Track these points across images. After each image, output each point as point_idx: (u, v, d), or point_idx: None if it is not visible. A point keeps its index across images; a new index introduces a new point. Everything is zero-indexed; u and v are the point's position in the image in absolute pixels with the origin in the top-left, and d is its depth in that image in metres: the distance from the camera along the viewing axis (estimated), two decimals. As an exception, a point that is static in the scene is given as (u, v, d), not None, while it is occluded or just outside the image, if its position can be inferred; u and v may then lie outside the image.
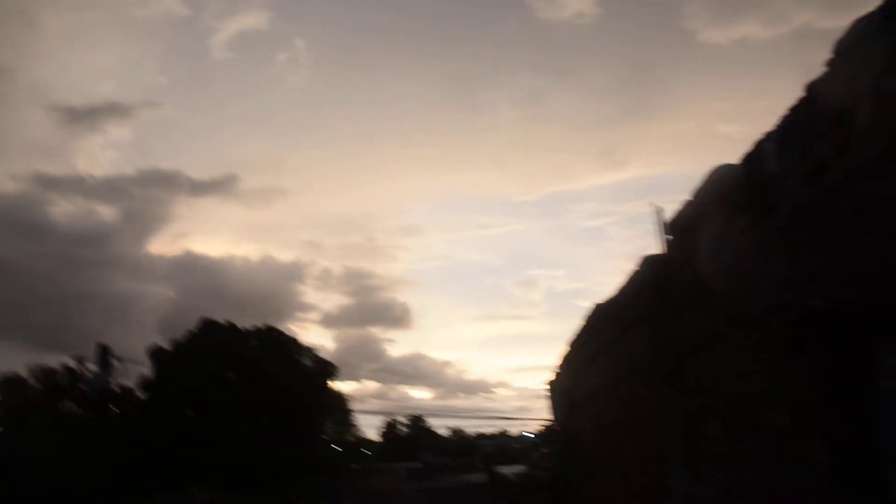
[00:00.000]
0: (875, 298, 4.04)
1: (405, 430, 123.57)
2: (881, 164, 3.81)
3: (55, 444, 43.44)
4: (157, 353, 58.52)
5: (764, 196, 5.03)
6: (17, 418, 55.98)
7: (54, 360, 64.93)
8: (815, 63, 4.42)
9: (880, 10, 3.77)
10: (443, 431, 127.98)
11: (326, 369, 67.82)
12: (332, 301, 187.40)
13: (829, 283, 4.32)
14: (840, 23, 4.15)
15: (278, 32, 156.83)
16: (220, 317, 63.08)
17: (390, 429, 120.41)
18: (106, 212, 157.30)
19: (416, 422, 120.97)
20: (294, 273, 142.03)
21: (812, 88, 4.49)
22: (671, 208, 7.18)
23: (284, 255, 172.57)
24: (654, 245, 7.92)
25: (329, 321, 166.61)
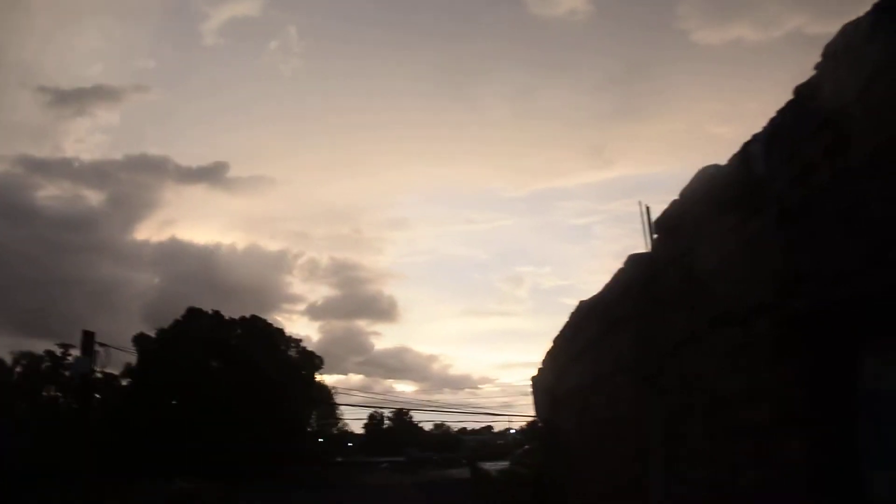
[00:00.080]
0: (860, 300, 4.06)
1: (389, 423, 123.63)
2: (868, 167, 3.83)
3: (37, 430, 43.27)
4: (141, 341, 58.36)
5: (751, 197, 5.06)
6: (-1, 403, 55.75)
7: (38, 346, 64.73)
8: (805, 67, 4.45)
9: (869, 15, 3.79)
10: (427, 426, 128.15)
11: (312, 361, 67.82)
12: (319, 292, 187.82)
13: (814, 284, 4.34)
14: (831, 28, 4.18)
15: (270, 20, 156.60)
16: (206, 305, 63.00)
17: (375, 422, 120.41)
18: (92, 196, 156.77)
19: (401, 416, 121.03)
20: (281, 263, 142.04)
21: (801, 91, 4.51)
22: (659, 208, 7.21)
23: (271, 244, 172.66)
24: (640, 244, 7.95)
25: (315, 312, 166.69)
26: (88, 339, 27.50)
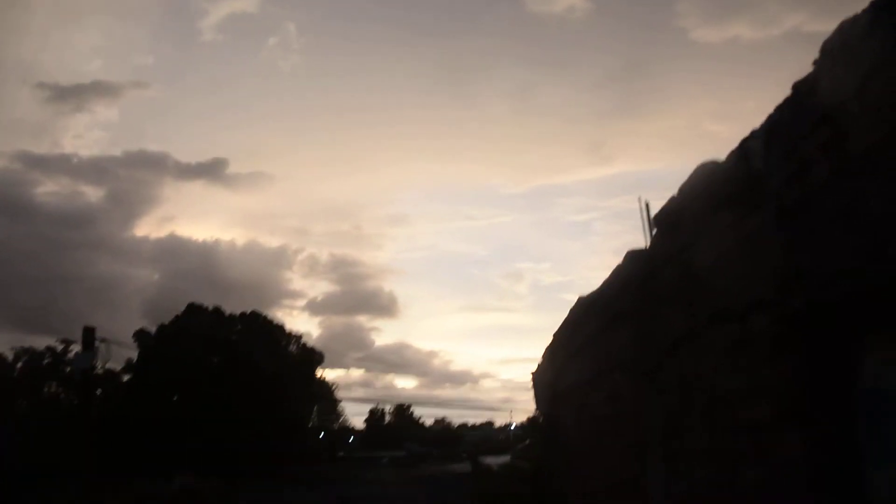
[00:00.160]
0: (858, 298, 4.06)
1: (390, 418, 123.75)
2: (866, 164, 3.82)
3: (38, 426, 43.32)
4: (142, 337, 58.41)
5: (749, 193, 5.05)
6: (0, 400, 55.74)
7: (39, 342, 64.77)
8: (804, 65, 4.44)
9: (867, 12, 3.79)
10: (427, 421, 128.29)
11: (312, 356, 67.87)
12: (319, 288, 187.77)
13: (813, 281, 4.34)
14: (829, 26, 4.17)
15: (269, 16, 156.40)
16: (206, 301, 63.00)
17: (375, 417, 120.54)
18: (92, 193, 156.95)
19: (401, 411, 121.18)
20: (281, 259, 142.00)
21: (799, 87, 4.50)
22: (659, 204, 7.20)
23: (271, 241, 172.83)
24: (640, 240, 7.94)
25: (315, 308, 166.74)
26: (89, 334, 27.50)
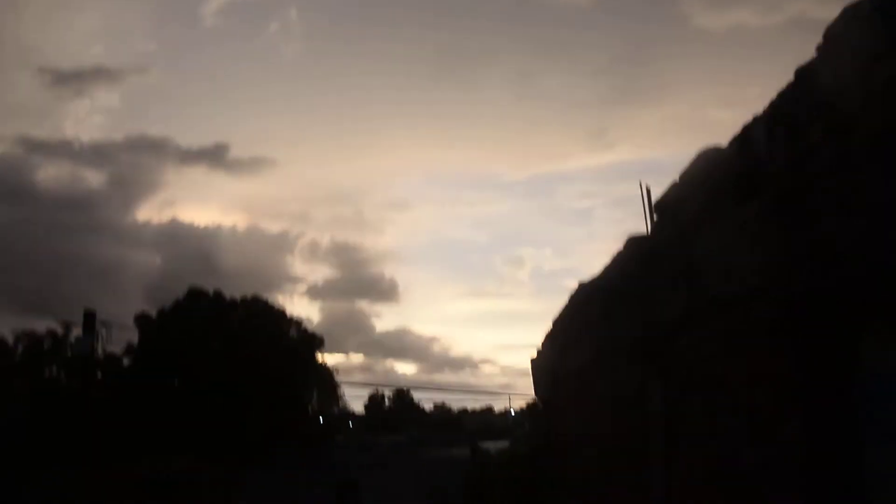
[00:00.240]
0: (858, 284, 4.08)
1: (390, 403, 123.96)
2: (868, 150, 3.84)
3: (38, 409, 43.41)
4: (142, 321, 58.44)
5: (750, 179, 5.06)
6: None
7: (40, 325, 64.73)
8: (807, 52, 4.45)
9: (871, -2, 3.79)
10: (427, 406, 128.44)
11: (312, 341, 67.91)
12: (320, 273, 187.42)
13: (812, 267, 4.36)
14: (833, 13, 4.18)
15: (271, 1, 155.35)
16: (207, 286, 62.91)
17: (375, 402, 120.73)
18: (93, 177, 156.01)
19: (401, 396, 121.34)
20: (282, 244, 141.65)
21: (801, 73, 4.51)
22: (660, 191, 7.21)
23: (272, 225, 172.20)
24: (641, 227, 7.95)
25: (316, 293, 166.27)
26: (90, 318, 27.59)
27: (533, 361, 16.44)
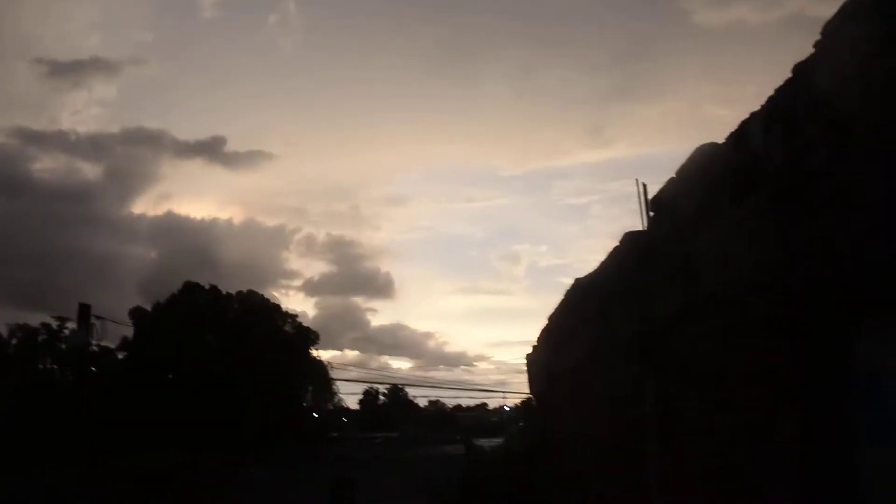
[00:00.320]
0: (854, 281, 4.08)
1: (384, 399, 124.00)
2: (866, 146, 3.83)
3: (33, 401, 43.35)
4: (137, 314, 58.36)
5: (747, 176, 5.06)
6: (-6, 375, 55.68)
7: (34, 319, 64.66)
8: (806, 49, 4.43)
9: (869, -6, 3.78)
10: (422, 402, 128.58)
11: (307, 336, 67.89)
12: (316, 268, 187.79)
13: (809, 264, 4.36)
14: (832, 10, 4.16)
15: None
16: (202, 280, 62.87)
17: (369, 398, 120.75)
18: (89, 169, 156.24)
19: (396, 392, 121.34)
20: (278, 239, 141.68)
21: (799, 69, 4.50)
22: (658, 188, 7.21)
23: (269, 220, 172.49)
24: (638, 224, 7.95)
25: (311, 288, 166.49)
26: (85, 311, 27.51)
27: (528, 358, 16.46)
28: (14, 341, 59.32)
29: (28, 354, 57.75)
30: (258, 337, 56.27)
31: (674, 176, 6.60)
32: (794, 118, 4.48)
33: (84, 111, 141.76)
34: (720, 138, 5.61)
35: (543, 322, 14.17)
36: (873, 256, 3.86)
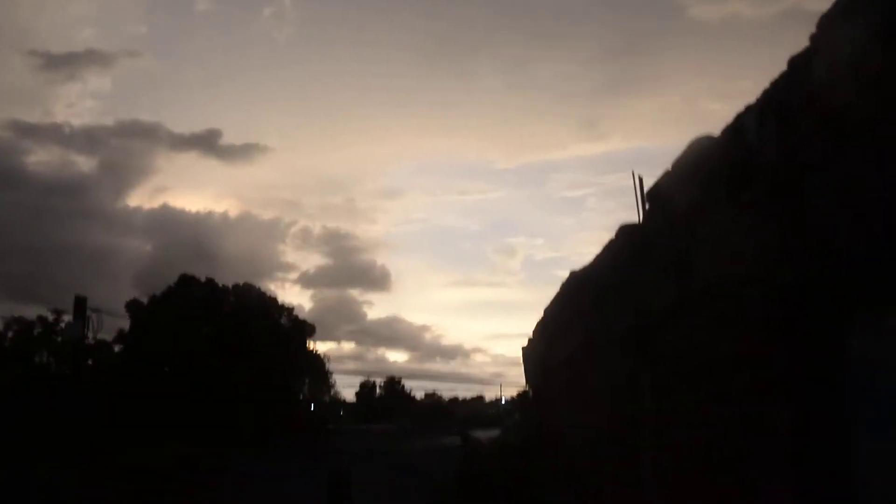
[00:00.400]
0: (849, 274, 4.08)
1: (381, 391, 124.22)
2: (860, 141, 3.83)
3: (28, 395, 43.32)
4: (134, 307, 58.37)
5: (743, 169, 5.06)
6: (-10, 369, 55.64)
7: (30, 312, 64.62)
8: (802, 44, 4.42)
9: (865, -14, 3.77)
10: (418, 394, 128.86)
11: (304, 329, 67.96)
12: (311, 261, 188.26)
13: (804, 257, 4.36)
14: (828, 5, 4.15)
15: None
16: (198, 273, 62.89)
17: (366, 390, 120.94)
18: (83, 162, 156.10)
19: (392, 384, 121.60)
20: (274, 232, 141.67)
21: (795, 62, 4.49)
22: (653, 182, 7.21)
23: (264, 213, 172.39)
24: (633, 217, 7.96)
25: (307, 281, 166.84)
26: (81, 304, 27.53)
27: (524, 350, 16.48)
28: (10, 334, 59.27)
29: (24, 347, 57.71)
30: (254, 329, 56.32)
31: (669, 169, 6.59)
32: (790, 111, 4.47)
33: (78, 104, 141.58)
34: (716, 132, 5.60)
35: (539, 315, 14.19)
36: (868, 250, 3.86)
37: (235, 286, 64.22)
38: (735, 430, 5.14)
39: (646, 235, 7.31)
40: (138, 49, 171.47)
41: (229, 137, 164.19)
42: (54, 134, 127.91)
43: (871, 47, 3.70)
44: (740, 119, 5.13)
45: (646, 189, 7.44)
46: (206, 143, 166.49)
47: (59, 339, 54.10)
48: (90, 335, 32.78)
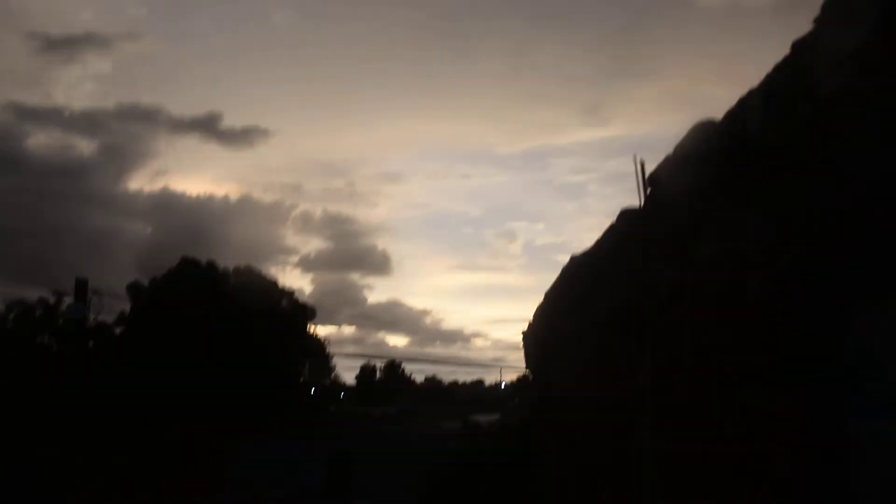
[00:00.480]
0: (848, 258, 4.10)
1: (381, 375, 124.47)
2: (862, 126, 3.83)
3: (29, 377, 43.40)
4: (135, 290, 58.43)
5: (743, 153, 5.06)
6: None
7: (31, 294, 64.58)
8: (804, 29, 4.42)
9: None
10: (418, 378, 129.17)
11: (304, 312, 68.06)
12: (312, 245, 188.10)
13: (804, 241, 4.37)
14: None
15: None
16: (199, 257, 62.91)
17: (366, 373, 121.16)
18: (84, 145, 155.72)
19: (393, 367, 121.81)
20: (274, 215, 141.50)
21: (798, 46, 4.49)
22: (655, 167, 7.20)
23: (265, 196, 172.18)
24: (634, 202, 7.96)
25: (308, 265, 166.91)
26: (82, 286, 27.56)
27: (524, 334, 16.51)
28: (11, 316, 59.27)
29: (25, 329, 57.73)
30: (255, 313, 56.38)
31: (670, 153, 6.59)
32: (792, 95, 4.48)
33: (78, 86, 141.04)
34: (718, 117, 5.60)
35: (540, 299, 14.20)
36: (869, 235, 3.88)
37: (236, 269, 64.31)
38: (733, 413, 5.17)
39: (647, 220, 7.32)
40: (138, 32, 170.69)
41: (230, 121, 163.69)
42: (54, 117, 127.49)
43: (874, 31, 3.70)
44: (742, 103, 5.13)
45: (647, 174, 7.45)
46: (207, 126, 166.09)
47: (61, 321, 54.14)
48: (91, 317, 32.85)
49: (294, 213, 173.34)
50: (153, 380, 47.12)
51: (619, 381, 7.94)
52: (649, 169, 7.39)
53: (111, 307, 52.00)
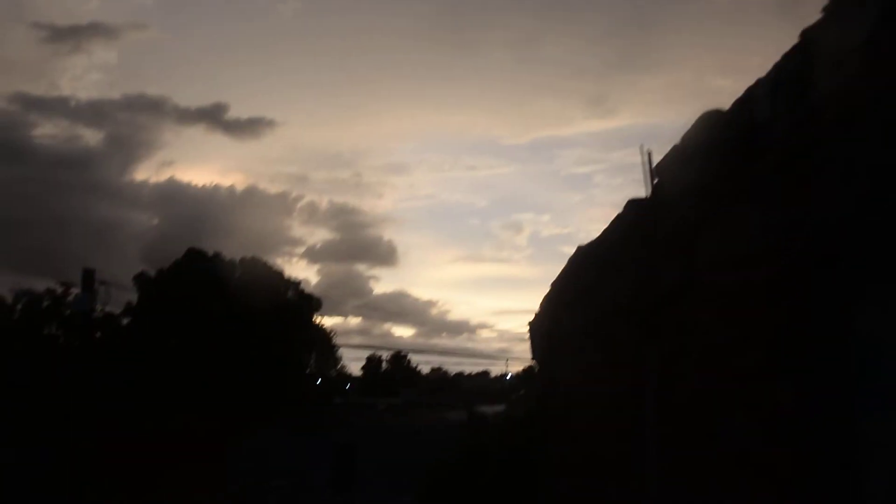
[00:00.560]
0: (856, 249, 4.06)
1: (387, 366, 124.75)
2: (870, 115, 3.79)
3: (37, 367, 43.63)
4: (141, 280, 58.61)
5: (752, 143, 5.02)
6: (-2, 341, 55.92)
7: (38, 285, 64.84)
8: (811, 21, 4.37)
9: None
10: (424, 369, 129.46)
11: (310, 303, 68.19)
12: (318, 235, 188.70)
13: (811, 231, 4.33)
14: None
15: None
16: (205, 247, 63.04)
17: (372, 364, 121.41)
18: (90, 135, 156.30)
19: (399, 359, 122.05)
20: (280, 206, 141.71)
21: (807, 35, 4.44)
22: (661, 157, 7.16)
23: (271, 187, 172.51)
24: (641, 193, 7.91)
25: (314, 255, 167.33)
26: (89, 276, 27.61)
27: (530, 325, 16.48)
28: (19, 307, 59.55)
29: (32, 320, 57.99)
30: (261, 303, 56.52)
31: (677, 144, 6.54)
32: (801, 84, 4.43)
33: (84, 77, 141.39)
34: (725, 107, 5.56)
35: (546, 290, 14.16)
36: (877, 224, 3.83)
37: (242, 260, 64.43)
38: (738, 405, 5.14)
39: (653, 210, 7.28)
40: (144, 22, 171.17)
41: (236, 111, 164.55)
42: (60, 107, 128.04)
43: (883, 19, 3.65)
44: (751, 93, 5.08)
45: (654, 164, 7.40)
46: (213, 116, 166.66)
47: (68, 311, 54.40)
48: (98, 308, 32.92)
49: (300, 204, 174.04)
50: (159, 371, 47.29)
51: (624, 374, 7.91)
52: (656, 160, 7.34)
53: (118, 298, 52.13)
